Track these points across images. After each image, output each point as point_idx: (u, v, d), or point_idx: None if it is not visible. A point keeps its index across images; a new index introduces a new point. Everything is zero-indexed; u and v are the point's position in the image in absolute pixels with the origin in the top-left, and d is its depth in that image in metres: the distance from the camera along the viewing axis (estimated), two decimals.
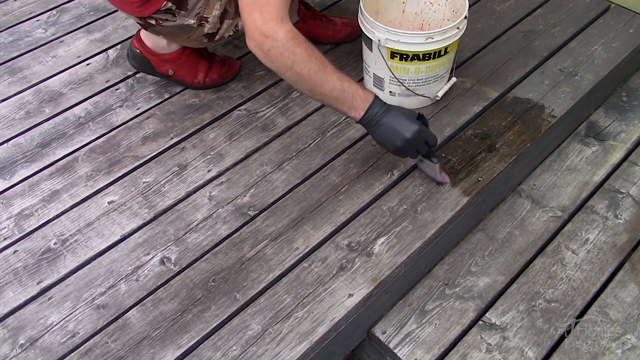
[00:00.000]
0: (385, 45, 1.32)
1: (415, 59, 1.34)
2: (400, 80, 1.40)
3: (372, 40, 1.34)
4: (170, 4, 1.27)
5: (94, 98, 1.59)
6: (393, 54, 1.34)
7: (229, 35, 1.41)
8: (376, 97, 1.17)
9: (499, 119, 1.45)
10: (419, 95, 1.44)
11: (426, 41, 1.30)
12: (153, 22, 1.33)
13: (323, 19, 1.66)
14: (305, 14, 1.63)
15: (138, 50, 1.49)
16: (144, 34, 1.48)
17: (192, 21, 1.32)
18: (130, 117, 1.52)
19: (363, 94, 1.16)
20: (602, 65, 1.58)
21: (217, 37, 1.39)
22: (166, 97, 1.57)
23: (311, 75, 1.10)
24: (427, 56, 1.33)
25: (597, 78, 1.54)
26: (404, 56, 1.34)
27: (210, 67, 1.55)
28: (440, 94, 1.47)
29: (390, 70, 1.38)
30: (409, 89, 1.42)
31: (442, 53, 1.35)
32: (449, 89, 1.49)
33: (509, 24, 1.71)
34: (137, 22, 1.38)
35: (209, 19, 1.32)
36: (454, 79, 1.51)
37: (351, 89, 1.14)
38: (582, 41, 1.65)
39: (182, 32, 1.36)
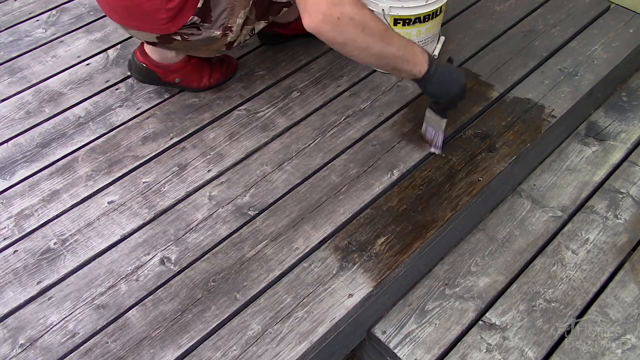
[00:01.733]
0: (390, 13, 1.42)
1: (416, 22, 1.45)
2: None
3: (375, 11, 1.42)
4: (195, 18, 1.26)
5: (94, 98, 1.59)
6: (396, 21, 1.44)
7: (245, 40, 1.42)
8: (429, 54, 1.20)
9: (499, 119, 1.45)
10: None
11: (427, 3, 1.41)
12: (178, 37, 1.31)
13: None
14: None
15: (144, 64, 1.47)
16: (149, 48, 1.46)
17: (217, 32, 1.31)
18: (130, 117, 1.52)
19: (422, 52, 1.17)
20: (602, 65, 1.58)
21: (234, 45, 1.39)
22: (166, 97, 1.57)
23: (382, 34, 1.09)
24: (426, 18, 1.44)
25: (597, 78, 1.54)
26: (407, 21, 1.44)
27: (212, 68, 1.55)
28: (436, 52, 1.58)
29: None
30: None
31: (437, 13, 1.46)
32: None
33: (509, 24, 1.71)
34: (153, 41, 1.36)
35: (233, 28, 1.32)
36: (442, 38, 1.61)
37: (415, 48, 1.16)
38: (582, 41, 1.65)
39: (204, 44, 1.35)
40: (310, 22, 1.06)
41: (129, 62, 1.53)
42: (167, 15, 1.24)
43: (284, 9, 1.38)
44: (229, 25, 1.31)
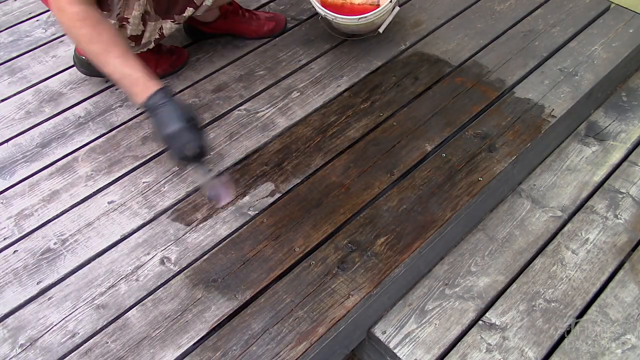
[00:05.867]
0: (325, 17, 1.56)
1: (353, 21, 1.56)
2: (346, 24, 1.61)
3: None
4: None
5: (93, 98, 1.59)
6: None
7: (156, 39, 1.43)
8: (160, 90, 1.13)
9: (499, 119, 1.45)
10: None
11: (359, 21, 1.51)
12: None
13: (246, 14, 1.68)
14: (227, 10, 1.65)
15: (84, 57, 1.50)
16: None
17: (112, 21, 1.32)
18: (130, 117, 1.52)
19: (144, 84, 1.14)
20: (602, 65, 1.58)
21: (143, 41, 1.41)
22: None
23: (92, 56, 1.16)
24: (364, 17, 1.54)
25: (597, 78, 1.54)
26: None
27: (159, 58, 1.56)
28: (381, 29, 1.62)
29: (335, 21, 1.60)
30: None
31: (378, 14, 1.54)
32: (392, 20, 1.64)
33: (509, 24, 1.71)
34: None
35: (129, 20, 1.33)
36: (396, 10, 1.63)
37: (134, 76, 1.14)
38: (582, 41, 1.65)
39: None
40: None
41: (73, 57, 1.55)
42: None
43: (189, 8, 1.39)
44: (125, 16, 1.32)
